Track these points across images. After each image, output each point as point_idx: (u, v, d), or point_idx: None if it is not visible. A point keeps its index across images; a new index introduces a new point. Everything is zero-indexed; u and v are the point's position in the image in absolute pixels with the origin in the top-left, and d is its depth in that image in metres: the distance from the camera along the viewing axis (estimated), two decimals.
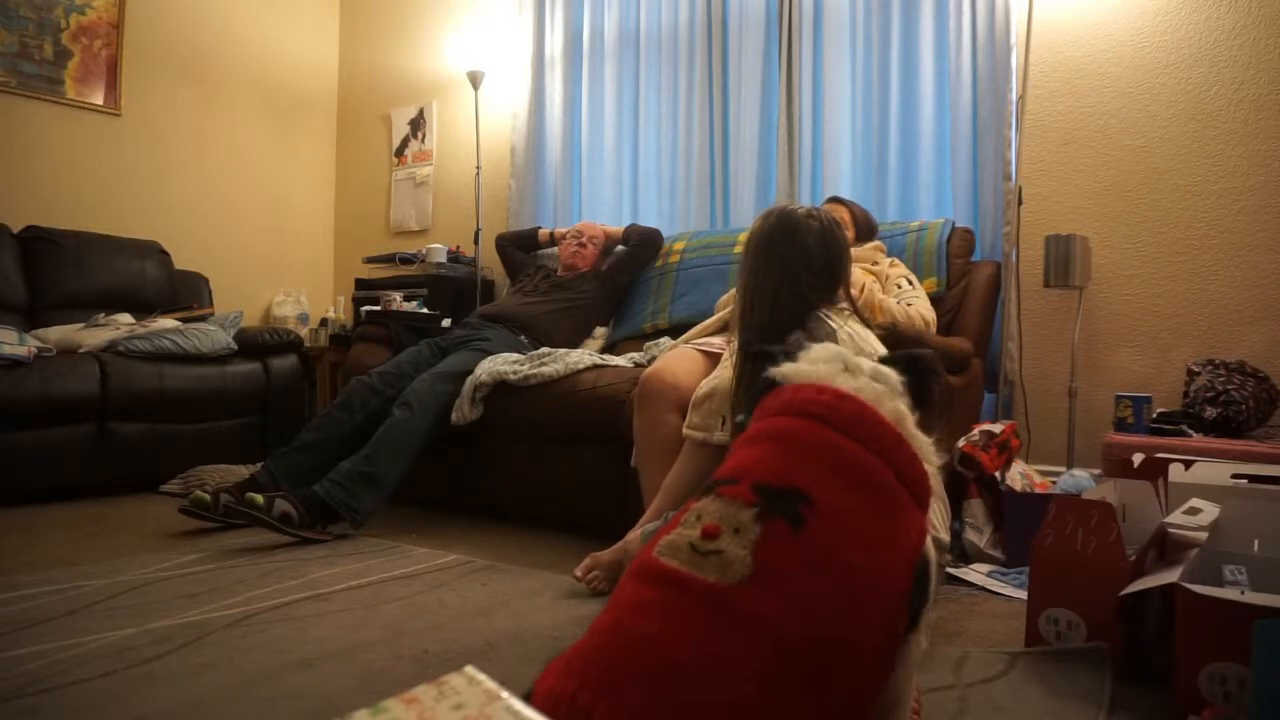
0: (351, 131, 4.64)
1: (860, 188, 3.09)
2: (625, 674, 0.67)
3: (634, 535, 1.78)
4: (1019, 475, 2.14)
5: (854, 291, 1.79)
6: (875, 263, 2.48)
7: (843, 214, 2.51)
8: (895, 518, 0.81)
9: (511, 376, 2.46)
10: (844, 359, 0.91)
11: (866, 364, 0.91)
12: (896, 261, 2.54)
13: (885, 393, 0.88)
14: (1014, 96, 2.78)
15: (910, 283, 2.43)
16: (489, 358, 2.59)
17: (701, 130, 3.40)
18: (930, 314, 2.33)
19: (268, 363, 3.32)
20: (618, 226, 3.26)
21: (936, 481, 1.59)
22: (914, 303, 2.32)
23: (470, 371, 2.53)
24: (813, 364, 0.90)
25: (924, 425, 0.90)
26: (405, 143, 4.41)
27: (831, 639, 0.71)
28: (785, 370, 0.91)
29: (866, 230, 2.60)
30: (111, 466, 2.84)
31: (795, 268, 1.62)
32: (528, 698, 0.70)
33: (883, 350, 1.63)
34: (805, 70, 3.18)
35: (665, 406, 1.98)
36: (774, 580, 0.71)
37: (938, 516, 1.63)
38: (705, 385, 1.88)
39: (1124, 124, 2.71)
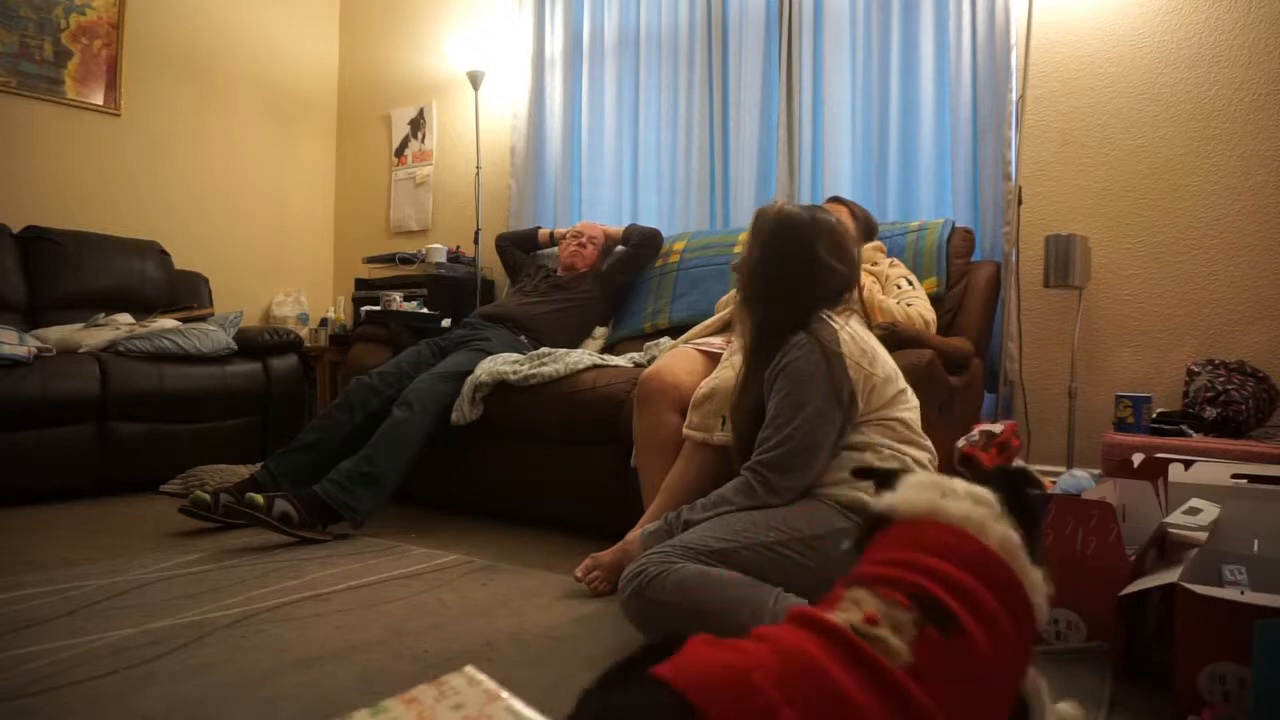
0: (351, 131, 4.64)
1: (860, 188, 3.09)
2: (808, 688, 0.71)
3: (634, 535, 1.78)
4: None
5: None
6: (875, 263, 2.48)
7: (843, 214, 2.50)
8: (1004, 651, 0.86)
9: (511, 376, 2.46)
10: (940, 486, 0.96)
11: (960, 485, 0.96)
12: (896, 262, 2.54)
13: (989, 516, 0.93)
14: (1014, 96, 2.78)
15: (910, 283, 2.43)
16: (489, 358, 2.59)
17: (701, 130, 3.40)
18: (930, 314, 2.33)
19: (268, 363, 3.32)
20: (618, 226, 3.26)
21: (914, 453, 1.59)
22: (914, 303, 2.32)
23: (470, 371, 2.53)
24: (916, 492, 0.96)
25: (1030, 544, 0.94)
26: (405, 143, 4.41)
27: None
28: (894, 502, 0.96)
29: (866, 230, 2.59)
30: (111, 466, 2.83)
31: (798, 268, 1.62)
32: (661, 656, 0.74)
33: (883, 350, 1.62)
34: (805, 70, 3.18)
35: (665, 406, 1.98)
36: (928, 677, 0.77)
37: None
38: (705, 385, 1.88)
39: (1124, 124, 2.71)
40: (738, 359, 1.73)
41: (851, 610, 0.80)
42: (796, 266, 1.60)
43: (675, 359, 2.10)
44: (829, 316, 1.58)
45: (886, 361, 1.61)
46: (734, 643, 0.76)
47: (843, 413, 1.50)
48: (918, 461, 1.62)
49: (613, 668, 0.77)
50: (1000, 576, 0.89)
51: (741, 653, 0.73)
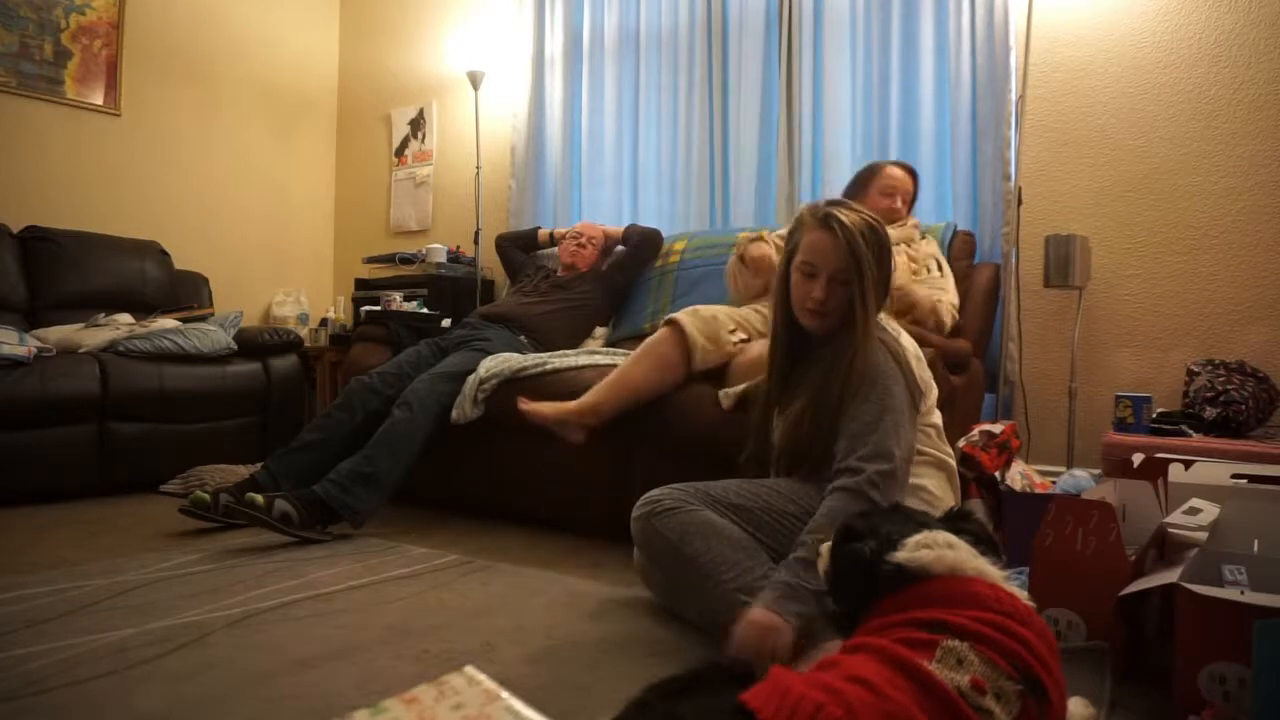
0: (351, 131, 4.64)
1: None
2: None
3: (587, 402, 2.08)
4: (1019, 475, 2.14)
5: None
6: (912, 241, 2.44)
7: (909, 183, 2.56)
8: (1061, 698, 0.91)
9: (510, 375, 2.45)
10: (942, 539, 0.99)
11: (941, 535, 0.99)
12: (930, 238, 2.53)
13: (986, 562, 0.97)
14: (1014, 96, 2.78)
15: (939, 266, 2.41)
16: (490, 357, 2.59)
17: (701, 130, 3.40)
18: (956, 302, 2.34)
19: (268, 363, 3.32)
20: (618, 226, 3.26)
21: (950, 460, 1.59)
22: (942, 297, 2.29)
23: (470, 371, 2.53)
24: (933, 549, 0.97)
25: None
26: (405, 143, 4.41)
27: None
28: (922, 559, 0.96)
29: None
30: (111, 466, 2.83)
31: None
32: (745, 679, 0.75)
33: (915, 346, 1.61)
34: (805, 70, 3.18)
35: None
36: None
37: (948, 496, 1.63)
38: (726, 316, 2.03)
39: (1124, 124, 2.71)
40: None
41: (954, 667, 0.81)
42: (885, 276, 1.56)
43: None
44: (885, 318, 1.57)
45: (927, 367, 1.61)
46: (826, 679, 0.75)
47: (912, 415, 1.51)
48: (944, 465, 1.63)
49: (681, 677, 0.76)
50: (1028, 616, 0.92)
51: (835, 694, 0.73)
